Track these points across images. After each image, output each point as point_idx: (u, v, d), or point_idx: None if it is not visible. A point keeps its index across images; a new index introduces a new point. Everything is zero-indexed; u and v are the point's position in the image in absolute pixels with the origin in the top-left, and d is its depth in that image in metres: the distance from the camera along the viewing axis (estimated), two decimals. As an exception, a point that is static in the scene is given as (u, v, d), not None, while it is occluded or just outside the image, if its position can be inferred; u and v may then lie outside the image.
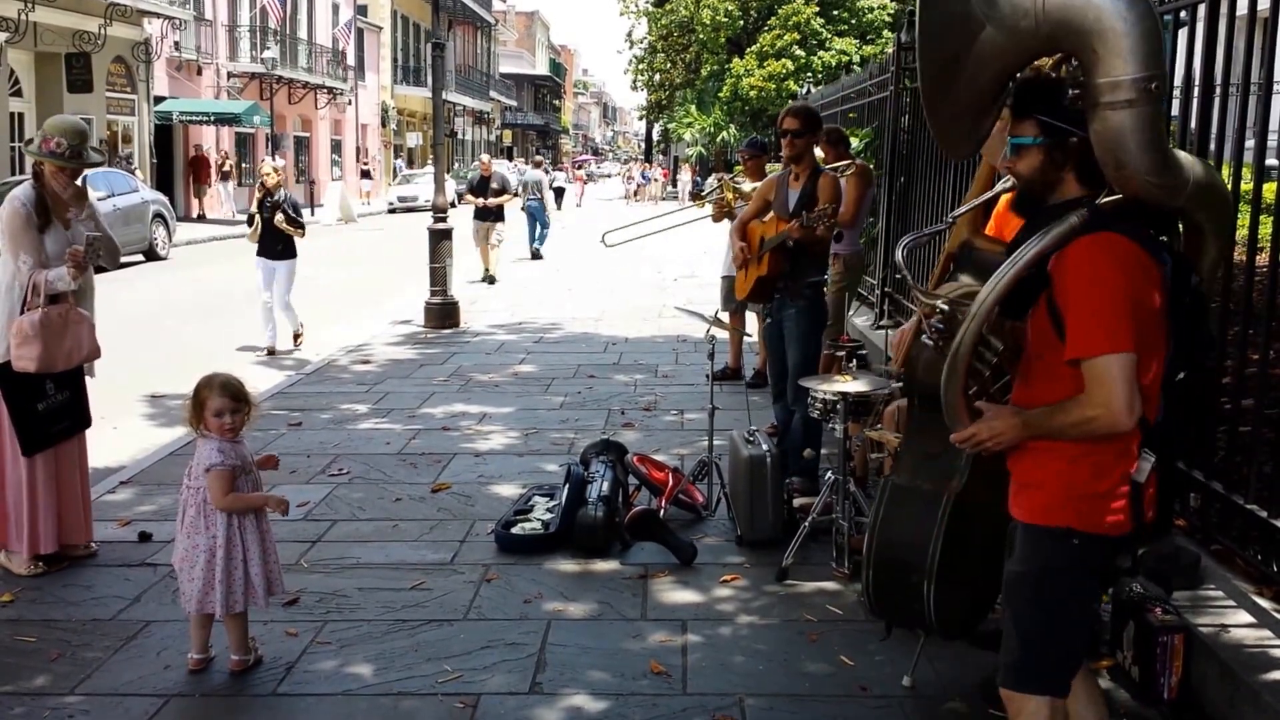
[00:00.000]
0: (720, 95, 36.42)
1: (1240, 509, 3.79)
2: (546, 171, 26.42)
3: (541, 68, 79.93)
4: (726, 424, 5.96)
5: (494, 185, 15.45)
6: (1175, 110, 3.98)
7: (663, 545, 4.83)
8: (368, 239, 24.13)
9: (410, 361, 9.51)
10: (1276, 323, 3.74)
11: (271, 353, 9.88)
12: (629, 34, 43.92)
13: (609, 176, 71.15)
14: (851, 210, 6.54)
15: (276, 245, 9.79)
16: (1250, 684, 3.17)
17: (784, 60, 33.64)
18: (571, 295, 14.15)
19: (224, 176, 28.64)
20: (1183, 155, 2.67)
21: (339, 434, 7.00)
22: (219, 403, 3.70)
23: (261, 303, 9.94)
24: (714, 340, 5.52)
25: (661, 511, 5.10)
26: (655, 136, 58.12)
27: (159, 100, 26.12)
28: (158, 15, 24.41)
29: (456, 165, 45.17)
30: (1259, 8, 3.79)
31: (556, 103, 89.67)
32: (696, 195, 15.55)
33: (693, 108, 38.54)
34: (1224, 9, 3.98)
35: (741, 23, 36.75)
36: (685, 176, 41.40)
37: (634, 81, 44.69)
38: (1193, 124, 4.14)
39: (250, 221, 10.04)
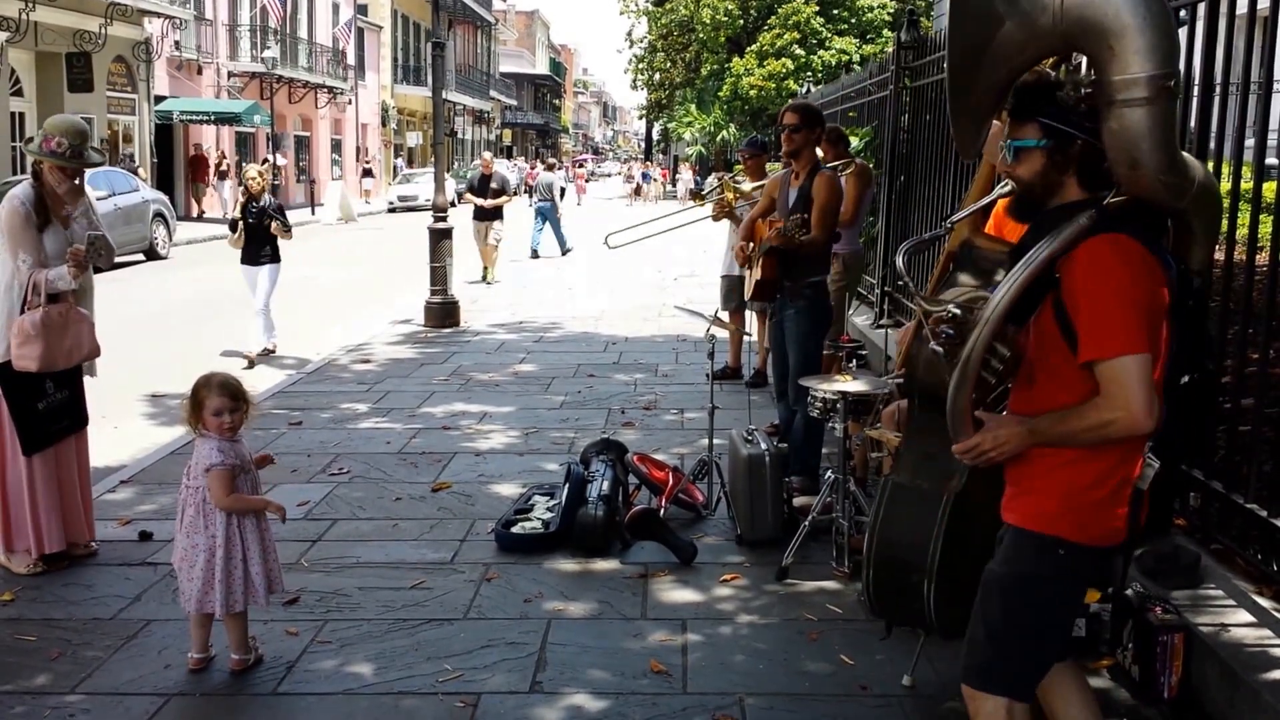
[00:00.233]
0: (720, 94, 36.46)
1: (1240, 508, 3.79)
2: (565, 168, 26.41)
3: (541, 67, 79.95)
4: (726, 423, 5.96)
5: (494, 185, 15.44)
6: (1176, 109, 3.97)
7: (663, 544, 4.83)
8: (368, 238, 24.13)
9: (411, 361, 9.51)
10: (1276, 322, 3.74)
11: (268, 352, 9.77)
12: (629, 33, 44.02)
13: (609, 176, 71.23)
14: (851, 210, 6.54)
15: (262, 251, 9.47)
16: (1250, 683, 3.17)
17: (784, 59, 33.69)
18: (572, 295, 14.16)
19: (222, 176, 28.64)
20: (1186, 156, 2.67)
21: (339, 433, 7.00)
22: (217, 402, 3.70)
23: (260, 311, 9.63)
24: (714, 339, 5.51)
25: (661, 511, 5.10)
26: (655, 136, 58.17)
27: (159, 100, 26.13)
28: (158, 15, 24.41)
29: (456, 165, 45.17)
30: (1259, 7, 3.79)
31: (556, 102, 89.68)
32: (696, 194, 15.56)
33: (693, 107, 38.58)
34: (1224, 8, 3.98)
35: (741, 22, 36.78)
36: (686, 175, 41.41)
37: (634, 81, 44.77)
38: (1192, 123, 4.14)
39: (233, 227, 9.53)
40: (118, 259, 15.04)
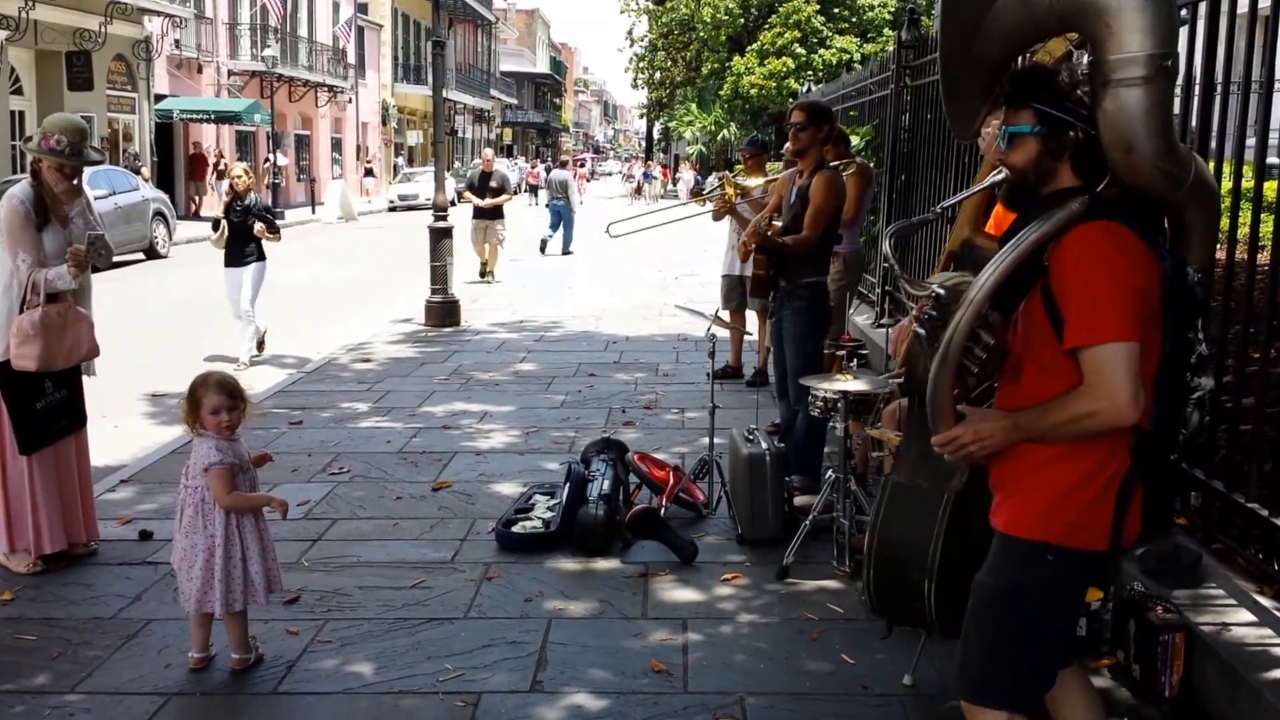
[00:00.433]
0: (721, 93, 36.45)
1: (1241, 507, 3.79)
2: (580, 166, 26.35)
3: (542, 66, 79.93)
4: (727, 422, 5.95)
5: (494, 184, 15.41)
6: (1176, 109, 3.97)
7: (663, 544, 4.83)
8: (368, 237, 24.12)
9: (411, 360, 9.51)
10: (1277, 321, 3.74)
11: (260, 346, 9.62)
12: (629, 32, 43.99)
13: (610, 174, 71.35)
14: (852, 209, 6.53)
15: (246, 250, 9.20)
16: (1251, 682, 3.16)
17: (785, 58, 33.67)
18: (572, 294, 14.16)
19: (220, 175, 28.61)
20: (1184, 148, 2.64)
21: (339, 432, 7.00)
22: (215, 400, 3.70)
23: (242, 312, 9.38)
24: (714, 339, 5.50)
25: (662, 510, 5.10)
26: (656, 135, 58.15)
27: (159, 98, 26.12)
28: (158, 13, 24.41)
29: (456, 164, 45.17)
30: (1259, 6, 3.78)
31: (557, 101, 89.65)
32: (696, 193, 15.55)
33: (693, 106, 38.57)
34: (1224, 7, 3.98)
35: (742, 21, 36.77)
36: (687, 174, 41.41)
37: (634, 79, 44.74)
38: (1193, 122, 4.13)
39: (215, 226, 9.26)
40: (117, 258, 15.04)
